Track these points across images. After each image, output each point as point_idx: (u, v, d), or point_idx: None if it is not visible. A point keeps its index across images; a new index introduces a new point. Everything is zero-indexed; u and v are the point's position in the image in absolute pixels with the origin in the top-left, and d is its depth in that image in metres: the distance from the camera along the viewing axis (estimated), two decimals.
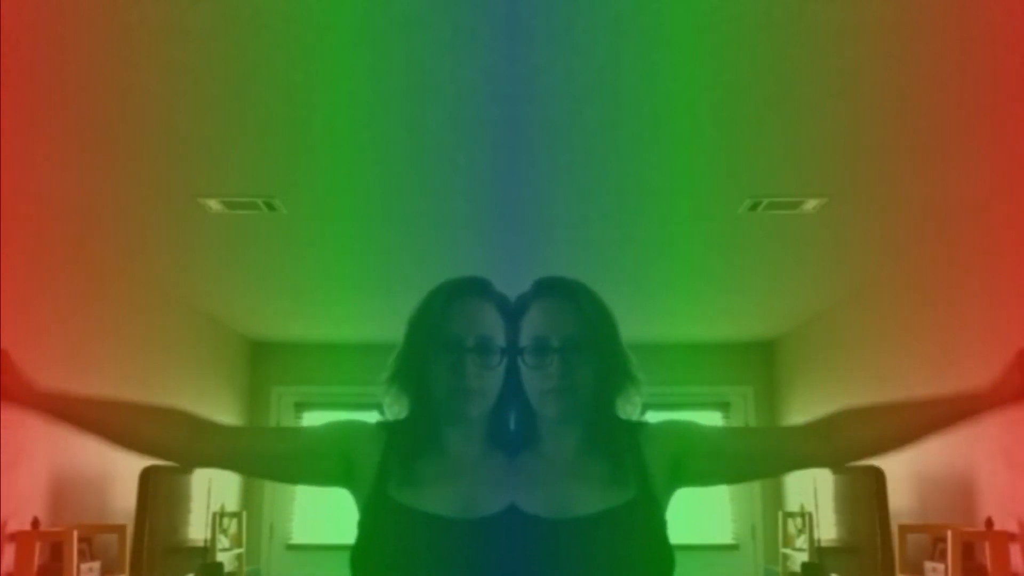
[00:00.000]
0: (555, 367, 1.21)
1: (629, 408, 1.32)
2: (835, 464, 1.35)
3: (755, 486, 5.90)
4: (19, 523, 3.02)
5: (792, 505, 5.43)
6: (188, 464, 1.32)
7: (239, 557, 4.96)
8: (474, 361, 1.21)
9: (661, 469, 1.26)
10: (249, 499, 5.83)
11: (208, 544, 4.38)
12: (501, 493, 1.19)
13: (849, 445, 1.28)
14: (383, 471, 1.23)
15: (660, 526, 1.22)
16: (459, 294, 1.26)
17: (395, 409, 1.31)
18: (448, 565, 1.14)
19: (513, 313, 1.28)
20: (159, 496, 3.60)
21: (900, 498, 3.75)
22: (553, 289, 1.28)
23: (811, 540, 4.50)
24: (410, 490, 1.19)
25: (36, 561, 2.99)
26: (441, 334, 1.23)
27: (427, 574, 1.14)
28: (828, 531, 4.29)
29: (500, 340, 1.24)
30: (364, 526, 1.21)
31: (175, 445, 1.26)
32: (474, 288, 1.27)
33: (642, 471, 1.24)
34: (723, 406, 6.05)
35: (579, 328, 1.24)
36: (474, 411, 1.23)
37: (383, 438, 1.28)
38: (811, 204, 3.13)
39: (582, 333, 1.24)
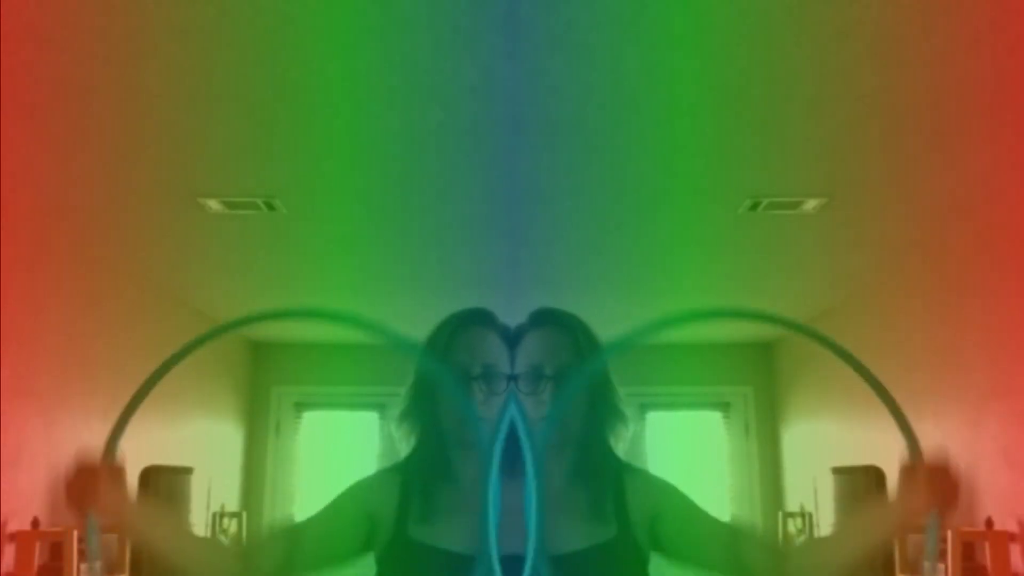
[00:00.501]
0: (548, 395, 1.25)
1: (615, 442, 1.35)
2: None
3: (755, 486, 5.90)
4: (19, 523, 3.02)
5: (792, 505, 5.43)
6: None
7: None
8: (480, 388, 1.25)
9: (642, 519, 1.29)
10: (249, 499, 5.83)
11: None
12: (506, 527, 1.21)
13: (795, 571, 1.30)
14: (402, 511, 1.26)
15: (642, 566, 1.26)
16: (463, 325, 1.32)
17: (409, 442, 1.34)
18: None
19: (509, 342, 1.32)
20: (159, 496, 3.60)
21: None
22: (549, 319, 1.34)
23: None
24: (428, 527, 1.22)
25: (36, 561, 2.99)
26: (448, 364, 1.27)
27: None
28: (828, 531, 4.29)
29: (505, 368, 1.28)
30: (384, 565, 1.24)
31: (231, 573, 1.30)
32: (477, 319, 1.33)
33: (623, 512, 1.27)
34: (723, 406, 6.06)
35: (573, 358, 1.28)
36: (482, 438, 1.25)
37: (398, 479, 1.30)
38: (811, 204, 3.13)
39: (576, 363, 1.27)
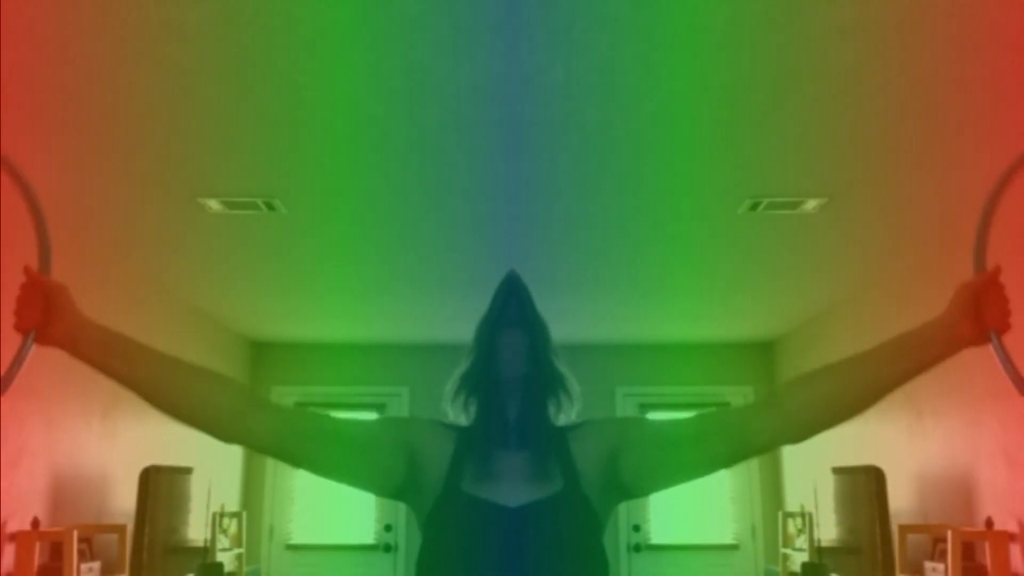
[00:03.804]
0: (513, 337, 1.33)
1: (562, 417, 1.38)
2: (793, 436, 1.23)
3: (755, 486, 5.89)
4: (19, 523, 3.02)
5: (792, 505, 5.43)
6: (232, 437, 1.24)
7: (239, 557, 4.96)
8: (510, 333, 1.33)
9: (592, 466, 1.30)
10: (249, 499, 5.83)
11: (208, 544, 4.38)
12: (510, 483, 1.29)
13: (801, 409, 1.22)
14: (454, 468, 1.28)
15: (592, 522, 1.26)
16: (512, 292, 1.39)
17: (468, 414, 1.37)
18: (503, 548, 1.21)
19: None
20: (159, 496, 3.60)
21: (900, 498, 3.76)
22: (510, 282, 1.41)
23: (811, 540, 4.50)
24: (482, 485, 1.25)
25: (36, 561, 2.99)
26: (502, 317, 1.35)
27: (492, 557, 1.21)
28: (828, 531, 4.29)
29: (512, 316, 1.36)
30: (435, 519, 1.26)
31: (225, 412, 1.23)
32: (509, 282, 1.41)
33: (570, 468, 1.29)
34: (723, 406, 6.06)
35: (515, 306, 1.36)
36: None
37: (454, 435, 1.33)
38: (811, 204, 3.13)
39: (515, 308, 1.35)
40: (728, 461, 1.28)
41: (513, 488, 1.25)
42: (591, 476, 1.28)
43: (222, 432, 1.24)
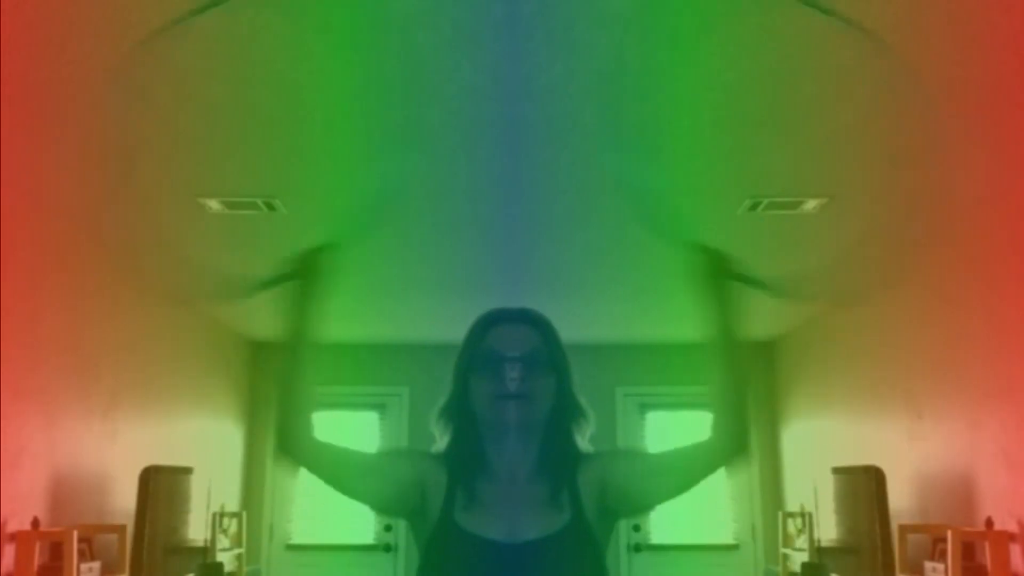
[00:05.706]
0: (516, 372, 1.37)
1: (580, 440, 1.46)
2: (739, 444, 1.43)
3: (755, 486, 5.90)
4: (19, 523, 3.02)
5: (792, 505, 5.43)
6: (287, 440, 1.41)
7: (239, 557, 4.96)
8: (513, 367, 1.36)
9: (591, 496, 1.40)
10: (249, 499, 5.83)
11: (208, 544, 4.38)
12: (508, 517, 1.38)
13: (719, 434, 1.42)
14: (449, 497, 1.37)
15: (595, 550, 1.36)
16: (498, 320, 1.45)
17: (446, 437, 1.46)
18: None
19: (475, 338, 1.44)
20: (159, 496, 3.59)
21: (900, 498, 3.75)
22: (518, 315, 1.47)
23: (811, 540, 4.50)
24: (471, 515, 1.34)
25: (36, 561, 2.99)
26: (481, 351, 1.40)
27: None
28: (828, 531, 4.29)
29: (542, 357, 1.40)
30: (431, 549, 1.36)
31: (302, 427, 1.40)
32: (512, 314, 1.46)
33: (576, 498, 1.38)
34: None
35: (540, 346, 1.41)
36: (513, 417, 1.38)
37: (445, 467, 1.42)
38: (811, 204, 3.13)
39: (542, 350, 1.41)
40: (689, 485, 1.43)
41: (509, 521, 1.34)
42: (591, 505, 1.39)
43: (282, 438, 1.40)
